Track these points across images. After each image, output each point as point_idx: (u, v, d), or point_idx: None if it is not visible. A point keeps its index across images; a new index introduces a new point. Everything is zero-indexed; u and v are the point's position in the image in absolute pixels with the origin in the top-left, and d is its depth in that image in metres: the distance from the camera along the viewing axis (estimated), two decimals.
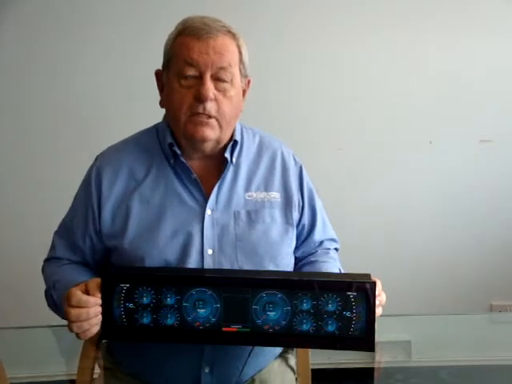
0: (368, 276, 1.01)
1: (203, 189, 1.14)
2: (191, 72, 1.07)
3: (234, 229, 1.13)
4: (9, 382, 1.34)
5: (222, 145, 1.15)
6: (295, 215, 1.20)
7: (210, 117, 1.08)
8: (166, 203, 1.13)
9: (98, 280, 1.01)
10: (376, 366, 2.28)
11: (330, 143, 2.25)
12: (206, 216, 1.12)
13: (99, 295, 0.99)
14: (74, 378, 1.22)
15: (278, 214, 1.17)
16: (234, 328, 1.01)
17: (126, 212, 1.12)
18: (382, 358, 2.27)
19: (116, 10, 2.14)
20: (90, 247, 1.17)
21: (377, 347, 0.99)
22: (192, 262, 1.09)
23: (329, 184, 2.16)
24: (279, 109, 2.21)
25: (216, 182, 1.15)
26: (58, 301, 1.07)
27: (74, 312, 0.97)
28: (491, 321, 2.43)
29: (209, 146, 1.13)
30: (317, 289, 0.99)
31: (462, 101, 2.24)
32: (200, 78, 1.08)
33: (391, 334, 2.26)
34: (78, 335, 1.00)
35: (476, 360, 2.27)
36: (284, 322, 1.00)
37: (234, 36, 1.11)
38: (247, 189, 1.17)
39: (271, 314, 1.00)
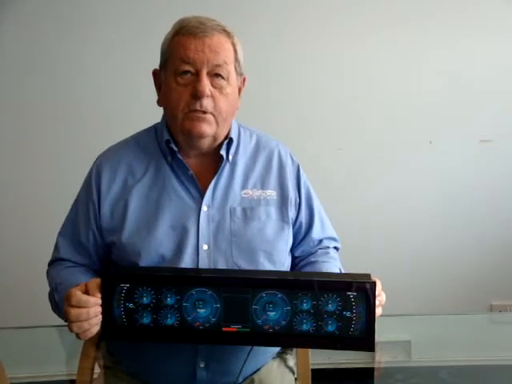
0: (368, 276, 1.01)
1: (199, 185, 1.16)
2: (187, 68, 1.09)
3: (230, 225, 1.14)
4: (9, 382, 1.34)
5: (218, 142, 1.17)
6: (291, 213, 1.21)
7: (206, 113, 1.10)
8: (164, 199, 1.15)
9: (97, 280, 1.01)
10: (376, 365, 2.28)
11: (330, 143, 2.25)
12: (202, 212, 1.14)
13: (99, 295, 0.99)
14: (74, 377, 1.22)
15: (273, 212, 1.18)
16: (233, 328, 1.01)
17: (124, 207, 1.14)
18: (381, 358, 2.27)
19: (116, 10, 2.14)
20: (94, 244, 1.18)
21: (377, 347, 0.99)
22: (187, 257, 1.11)
23: (329, 184, 2.16)
24: (279, 109, 2.21)
25: (212, 179, 1.17)
26: (60, 303, 1.07)
27: (74, 312, 0.97)
28: (491, 321, 2.44)
29: (206, 143, 1.15)
30: (317, 289, 0.99)
31: (462, 101, 2.24)
32: (196, 75, 1.10)
33: (391, 334, 2.26)
34: (78, 335, 1.00)
35: (476, 360, 2.27)
36: (284, 322, 1.00)
37: (228, 35, 1.14)
38: (243, 186, 1.19)
39: (271, 314, 1.00)
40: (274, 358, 1.26)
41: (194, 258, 1.11)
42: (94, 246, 1.18)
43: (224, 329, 1.01)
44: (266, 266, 1.14)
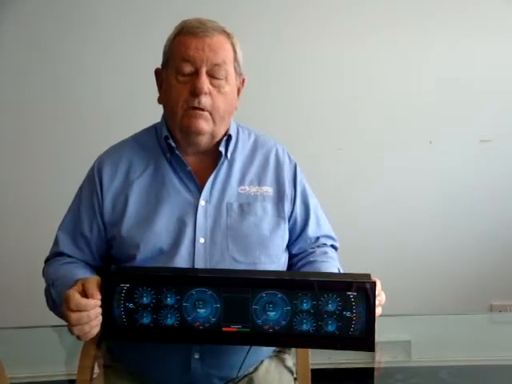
0: (368, 276, 1.01)
1: (197, 181, 1.19)
2: (188, 68, 1.13)
3: (226, 220, 1.17)
4: (9, 382, 1.34)
5: (216, 139, 1.19)
6: (287, 208, 1.23)
7: (204, 110, 1.13)
8: (163, 194, 1.17)
9: (96, 279, 1.01)
10: (376, 365, 2.28)
11: (330, 143, 2.25)
12: (200, 207, 1.17)
13: (99, 296, 0.99)
14: (74, 377, 1.22)
15: (269, 207, 1.20)
16: (233, 328, 1.01)
17: (124, 202, 1.17)
18: (381, 358, 2.28)
19: (116, 10, 2.14)
20: (97, 236, 1.19)
21: (377, 347, 0.99)
22: (183, 250, 1.13)
23: (329, 184, 2.16)
24: (279, 109, 2.21)
25: (210, 175, 1.19)
26: (57, 299, 1.07)
27: (74, 316, 0.97)
28: (491, 321, 2.44)
29: (203, 140, 1.17)
30: (317, 289, 0.99)
31: (462, 101, 2.24)
32: (196, 73, 1.12)
33: (391, 334, 2.26)
34: (78, 337, 1.00)
35: (476, 360, 2.27)
36: (284, 322, 1.00)
37: (228, 35, 1.17)
38: (241, 183, 1.21)
39: (271, 313, 1.00)
40: (271, 357, 1.27)
41: (191, 250, 1.13)
42: (96, 239, 1.19)
43: (224, 329, 1.01)
44: (262, 259, 1.16)
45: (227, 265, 1.13)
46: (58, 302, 1.07)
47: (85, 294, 0.99)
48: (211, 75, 1.13)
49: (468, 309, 2.31)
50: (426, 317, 2.30)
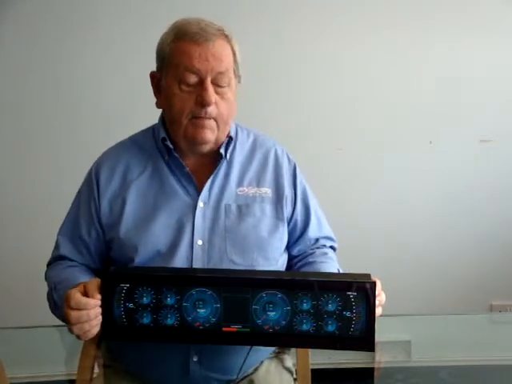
0: (368, 276, 1.01)
1: (196, 182, 1.18)
2: (193, 79, 1.11)
3: (225, 221, 1.16)
4: (9, 382, 1.34)
5: (219, 144, 1.19)
6: (287, 210, 1.22)
7: (210, 118, 1.12)
8: (161, 196, 1.17)
9: (97, 281, 1.01)
10: (376, 365, 2.28)
11: (330, 143, 2.25)
12: (198, 208, 1.16)
13: (99, 296, 0.99)
14: (74, 377, 1.22)
15: (268, 209, 1.20)
16: (233, 328, 1.01)
17: (122, 204, 1.17)
18: (381, 358, 2.27)
19: (116, 10, 2.14)
20: (96, 239, 1.19)
21: (377, 347, 0.99)
22: (182, 252, 1.13)
23: (329, 184, 2.16)
24: (279, 109, 2.21)
25: (209, 177, 1.18)
26: (59, 302, 1.07)
27: (74, 314, 0.97)
28: (491, 321, 2.44)
29: (207, 148, 1.17)
30: (317, 289, 0.99)
31: (462, 101, 2.24)
32: (201, 83, 1.11)
33: (391, 334, 2.26)
34: (78, 336, 1.00)
35: (476, 360, 2.27)
36: (284, 322, 1.00)
37: (227, 38, 1.15)
38: (239, 184, 1.21)
39: (271, 313, 1.00)
40: (270, 357, 1.26)
41: (189, 252, 1.13)
42: (95, 242, 1.19)
43: (224, 329, 1.01)
44: (260, 262, 1.15)
45: (225, 267, 1.13)
46: (59, 305, 1.07)
47: (85, 294, 0.99)
48: (215, 83, 1.12)
49: (468, 309, 2.31)
50: (426, 317, 2.30)
